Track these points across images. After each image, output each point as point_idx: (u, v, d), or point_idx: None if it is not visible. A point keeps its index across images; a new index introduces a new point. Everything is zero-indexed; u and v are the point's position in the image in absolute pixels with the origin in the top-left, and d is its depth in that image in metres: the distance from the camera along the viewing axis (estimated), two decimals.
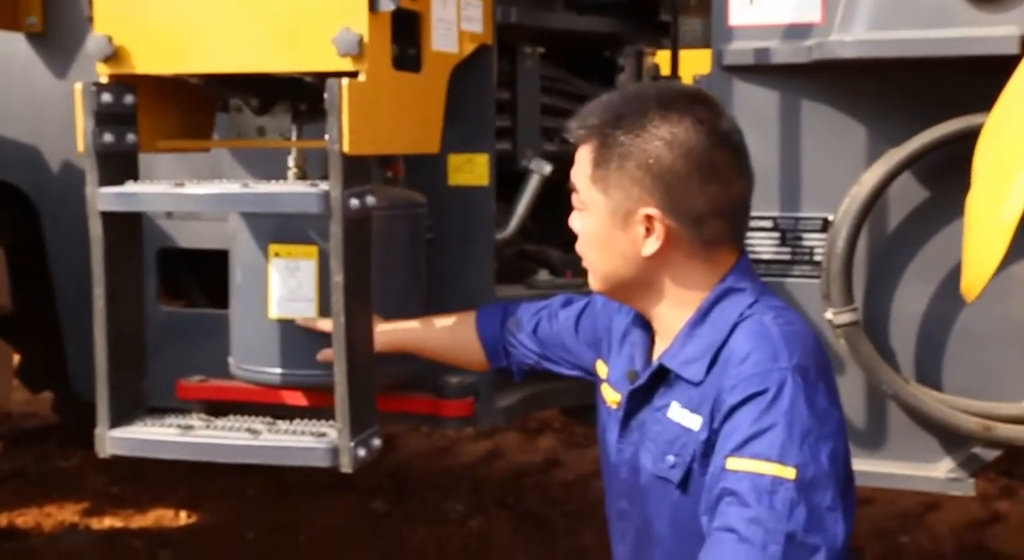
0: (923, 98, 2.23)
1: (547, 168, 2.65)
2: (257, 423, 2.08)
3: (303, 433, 2.02)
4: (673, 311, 1.62)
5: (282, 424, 2.07)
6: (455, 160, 2.45)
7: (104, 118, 2.03)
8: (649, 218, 1.56)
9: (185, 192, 2.00)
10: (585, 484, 4.45)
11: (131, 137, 2.08)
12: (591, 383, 2.01)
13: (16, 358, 3.26)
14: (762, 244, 2.36)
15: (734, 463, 1.44)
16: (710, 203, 1.56)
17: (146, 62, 2.04)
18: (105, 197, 2.01)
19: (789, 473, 1.40)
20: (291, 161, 2.28)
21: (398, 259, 2.30)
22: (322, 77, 1.94)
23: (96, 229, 2.03)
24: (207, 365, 2.48)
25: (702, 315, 1.59)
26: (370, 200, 1.98)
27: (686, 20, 3.61)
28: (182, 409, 2.29)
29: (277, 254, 2.19)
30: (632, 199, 1.57)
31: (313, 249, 2.16)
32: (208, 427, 2.07)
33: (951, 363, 2.29)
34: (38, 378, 3.74)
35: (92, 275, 2.04)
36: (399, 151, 2.26)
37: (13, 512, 4.01)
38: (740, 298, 1.58)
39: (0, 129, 2.80)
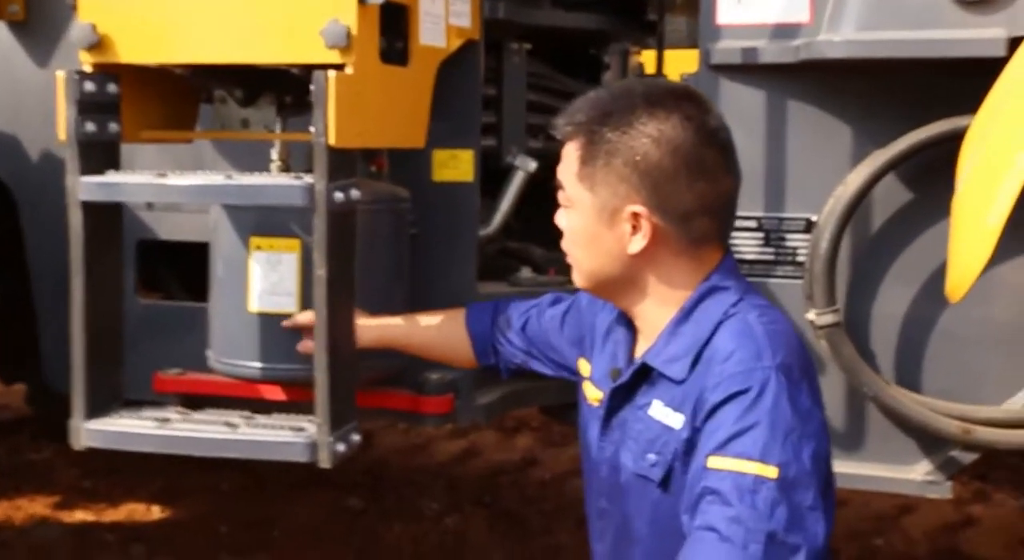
0: (909, 100, 2.24)
1: (532, 165, 2.65)
2: (235, 417, 2.06)
3: (282, 427, 2.00)
4: (657, 309, 1.62)
5: (260, 418, 2.06)
6: (440, 155, 2.43)
7: (86, 107, 2.00)
8: (636, 216, 1.56)
9: (168, 183, 1.97)
10: (562, 483, 4.45)
11: (113, 127, 2.06)
12: (571, 381, 2.00)
13: None
14: (746, 244, 2.36)
15: (716, 462, 1.43)
16: (697, 201, 1.56)
17: (130, 51, 2.01)
18: (86, 186, 1.99)
19: (771, 472, 1.40)
20: (274, 154, 2.26)
21: (381, 254, 2.28)
22: (308, 69, 1.92)
23: (76, 219, 2.00)
24: (184, 358, 2.45)
25: (686, 313, 1.58)
26: (355, 194, 1.96)
27: (671, 19, 3.61)
28: (158, 402, 2.26)
29: (259, 247, 2.16)
30: (619, 196, 1.56)
31: (295, 242, 2.14)
32: (185, 420, 2.05)
33: (931, 365, 2.30)
34: (11, 370, 3.69)
35: (71, 266, 2.01)
36: (385, 145, 2.25)
37: None
38: (724, 296, 1.58)
39: None
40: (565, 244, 1.68)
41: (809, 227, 2.32)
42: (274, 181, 1.97)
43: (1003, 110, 1.68)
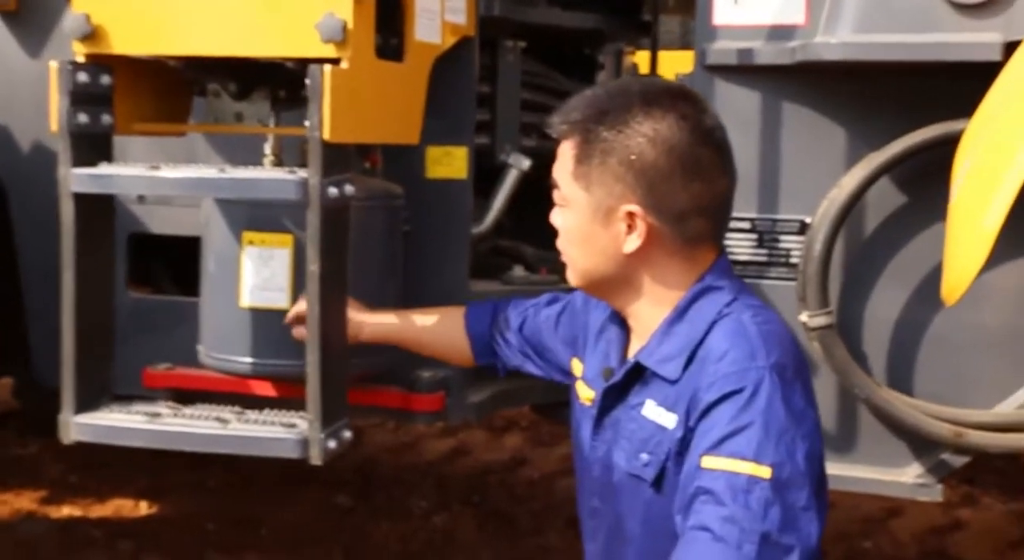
0: (904, 103, 2.24)
1: (526, 163, 2.64)
2: (226, 412, 2.05)
3: (273, 423, 1.99)
4: (651, 309, 1.61)
5: (251, 414, 2.04)
6: (433, 152, 2.43)
7: (79, 98, 1.99)
8: (631, 215, 1.55)
9: (161, 175, 1.96)
10: (551, 483, 4.44)
11: (106, 118, 2.04)
12: (561, 383, 2.00)
13: None
14: (739, 245, 2.35)
15: (710, 461, 1.43)
16: (693, 201, 1.55)
17: (124, 42, 2.00)
18: (78, 178, 1.97)
19: (765, 472, 1.39)
20: (268, 148, 2.25)
21: (375, 251, 2.27)
22: (303, 63, 1.91)
23: (68, 211, 1.99)
24: (174, 353, 2.45)
25: (680, 313, 1.58)
26: (349, 189, 1.95)
27: (664, 20, 3.61)
28: (148, 397, 2.25)
29: (251, 242, 2.15)
30: (614, 196, 1.56)
31: (287, 238, 2.13)
32: (176, 415, 2.04)
33: (923, 368, 2.30)
34: None
35: (62, 258, 2.00)
36: (379, 140, 2.24)
37: None
38: (718, 296, 1.57)
39: None
40: (560, 243, 1.67)
41: (803, 229, 2.32)
42: (268, 175, 1.96)
43: (999, 114, 1.68)
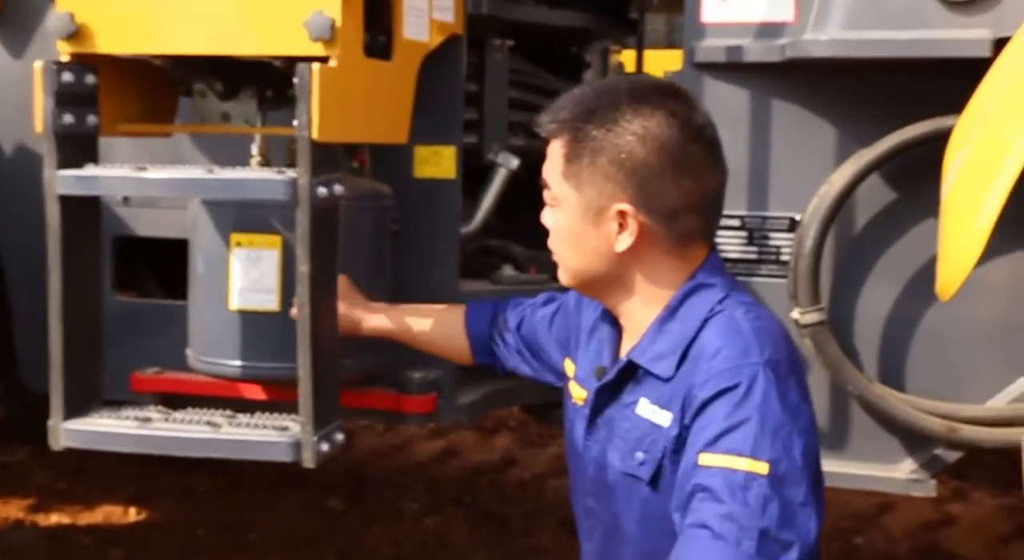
0: (894, 100, 2.24)
1: (514, 162, 2.63)
2: (217, 416, 2.03)
3: (265, 427, 1.97)
4: (643, 307, 1.61)
5: (242, 417, 2.02)
6: (421, 152, 2.41)
7: (64, 98, 1.96)
8: (622, 214, 1.55)
9: (148, 176, 1.94)
10: (542, 483, 4.44)
11: (92, 119, 2.02)
12: (552, 385, 1.99)
13: None
14: (729, 243, 2.35)
15: (707, 459, 1.42)
16: (684, 198, 1.55)
17: (109, 41, 1.98)
18: (64, 180, 1.95)
19: (762, 468, 1.39)
20: (255, 149, 2.23)
21: (363, 251, 2.26)
22: (291, 62, 1.89)
23: (53, 214, 1.97)
24: (162, 357, 2.43)
25: (671, 311, 1.58)
26: (338, 189, 1.94)
27: (650, 18, 3.61)
28: (136, 402, 2.23)
29: (239, 244, 2.14)
30: (605, 195, 1.55)
31: (276, 239, 2.12)
32: (167, 420, 2.01)
33: (915, 364, 2.30)
34: None
35: (48, 261, 1.98)
36: (368, 140, 2.22)
37: None
38: (710, 294, 1.57)
39: None
40: (551, 243, 1.66)
41: (793, 226, 2.31)
42: (256, 175, 1.95)
43: (989, 111, 1.68)
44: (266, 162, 2.22)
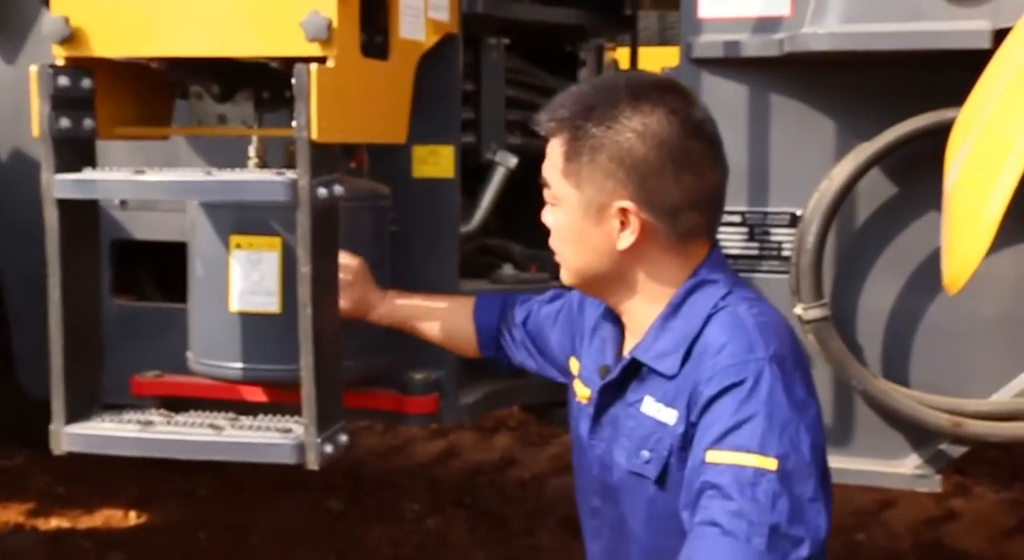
0: (893, 93, 2.23)
1: (512, 161, 2.62)
2: (219, 419, 2.02)
3: (268, 429, 1.96)
4: (645, 305, 1.60)
5: (245, 420, 2.01)
6: (419, 151, 2.40)
7: (60, 102, 1.95)
8: (623, 211, 1.54)
9: (146, 179, 1.93)
10: (542, 483, 4.43)
11: (88, 123, 2.01)
12: (556, 380, 1.98)
13: None
14: (730, 239, 2.34)
15: (714, 456, 1.42)
16: (685, 194, 1.54)
17: (105, 45, 1.96)
18: (62, 184, 1.94)
19: (771, 464, 1.38)
20: (252, 151, 2.22)
21: (362, 252, 2.24)
22: (288, 63, 1.88)
23: (52, 217, 1.95)
24: (161, 360, 2.42)
25: (674, 308, 1.57)
26: (338, 189, 1.93)
27: (642, 16, 3.60)
28: (136, 405, 2.21)
29: (238, 246, 2.13)
30: (605, 192, 1.55)
31: (276, 241, 2.11)
32: (169, 423, 2.00)
33: (919, 359, 2.29)
34: None
35: (47, 265, 1.96)
36: (367, 140, 2.21)
37: None
38: (713, 290, 1.56)
39: None
40: (552, 242, 1.66)
41: (794, 221, 2.31)
42: (256, 177, 1.94)
43: (991, 103, 1.67)
44: (263, 164, 2.22)
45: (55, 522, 3.91)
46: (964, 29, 2.05)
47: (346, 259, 2.08)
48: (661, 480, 1.54)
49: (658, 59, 3.89)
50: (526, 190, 2.31)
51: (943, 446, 2.27)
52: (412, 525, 3.99)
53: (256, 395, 2.25)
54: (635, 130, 1.53)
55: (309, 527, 3.94)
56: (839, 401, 2.32)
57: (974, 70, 1.90)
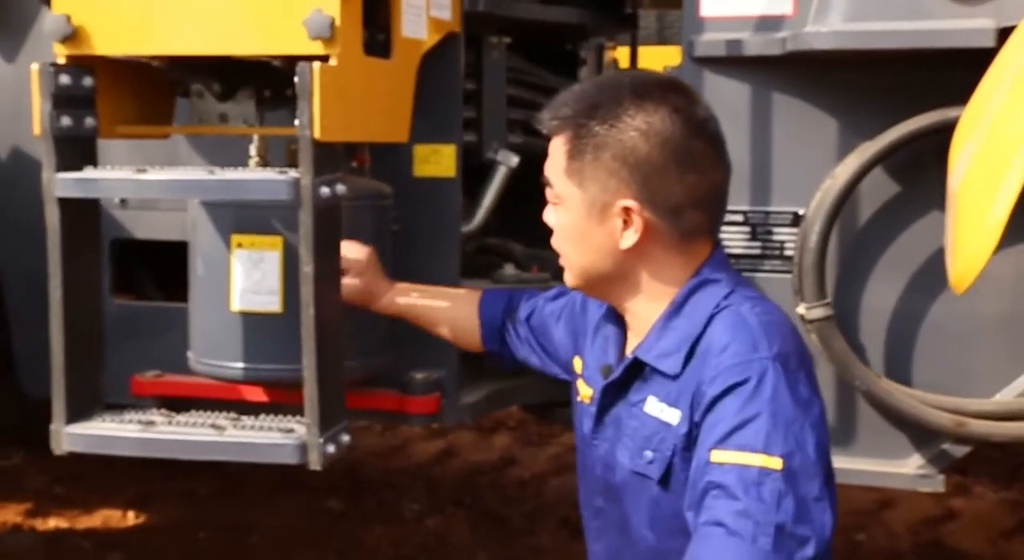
0: (896, 92, 2.23)
1: (514, 160, 2.61)
2: (221, 419, 2.01)
3: (270, 429, 1.95)
4: (648, 304, 1.60)
5: (247, 420, 2.00)
6: (421, 151, 2.40)
7: (62, 101, 1.94)
8: (627, 210, 1.54)
9: (148, 178, 1.92)
10: (542, 483, 4.43)
11: (90, 121, 2.00)
12: (556, 380, 1.98)
13: None
14: (732, 238, 2.34)
15: (719, 455, 1.41)
16: (688, 193, 1.54)
17: (106, 43, 1.96)
18: (63, 183, 1.93)
19: (775, 463, 1.38)
20: (253, 149, 2.21)
21: None
22: (291, 61, 1.88)
23: (53, 216, 1.94)
24: (161, 360, 2.41)
25: (677, 307, 1.57)
26: (340, 188, 1.92)
27: (641, 15, 3.60)
28: (136, 405, 2.20)
29: (240, 245, 2.12)
30: (609, 191, 1.54)
31: (278, 240, 2.10)
32: (170, 423, 1.99)
33: (921, 359, 2.29)
34: None
35: (48, 265, 1.96)
36: (369, 139, 2.20)
37: None
38: (715, 289, 1.56)
39: None
40: (555, 241, 1.65)
41: (796, 221, 2.30)
42: (259, 176, 1.93)
43: (998, 101, 1.67)
44: (265, 163, 2.21)
45: (53, 522, 3.90)
46: (968, 27, 2.05)
47: (355, 248, 2.08)
48: (664, 480, 1.53)
49: (657, 58, 3.89)
50: (527, 189, 2.31)
51: (946, 446, 2.27)
52: (412, 525, 3.99)
53: (257, 395, 2.24)
54: (639, 129, 1.52)
55: (309, 527, 3.93)
56: (842, 401, 2.31)
57: (978, 69, 1.90)
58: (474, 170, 2.59)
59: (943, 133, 2.04)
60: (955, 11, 2.07)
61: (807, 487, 1.39)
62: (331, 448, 1.91)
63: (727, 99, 2.28)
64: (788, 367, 1.45)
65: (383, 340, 2.32)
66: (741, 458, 1.39)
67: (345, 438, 1.97)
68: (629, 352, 1.62)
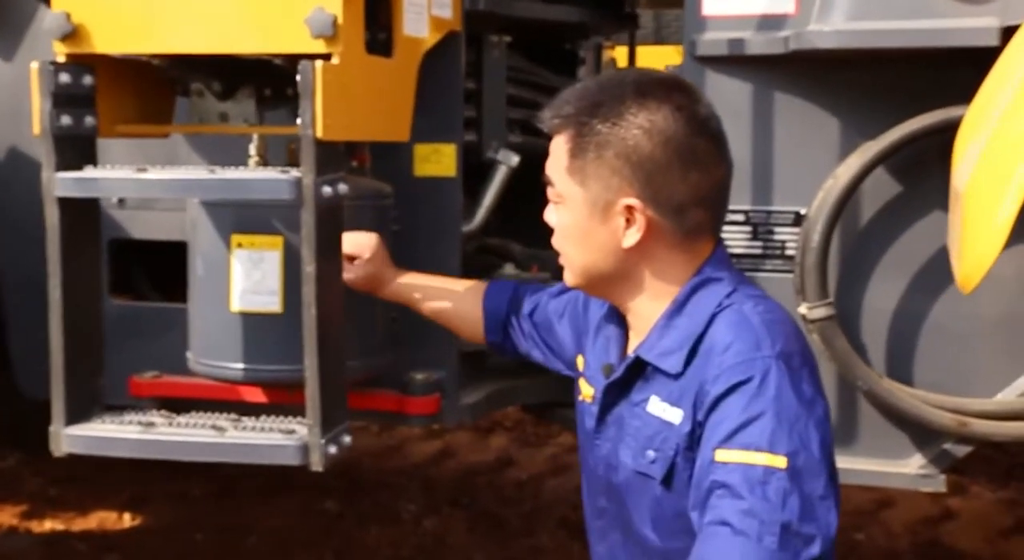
0: (899, 91, 2.23)
1: (515, 159, 2.60)
2: (221, 420, 2.00)
3: (271, 430, 1.94)
4: (650, 303, 1.59)
5: (248, 421, 1.99)
6: (421, 150, 2.39)
7: (61, 99, 1.92)
8: (630, 209, 1.53)
9: (149, 178, 1.91)
10: (539, 483, 4.42)
11: (89, 120, 1.98)
12: (556, 380, 1.97)
13: None
14: (734, 238, 2.33)
15: (723, 455, 1.40)
16: (691, 191, 1.53)
17: (106, 41, 1.94)
18: (63, 182, 1.91)
19: (780, 462, 1.37)
20: (252, 149, 2.20)
21: None
22: (292, 60, 1.86)
23: (52, 216, 1.93)
24: (159, 361, 2.40)
25: (678, 306, 1.56)
26: (342, 188, 1.91)
27: (640, 14, 3.59)
28: (134, 406, 2.19)
29: (240, 245, 2.11)
30: (611, 190, 1.53)
31: (278, 240, 2.09)
32: (171, 424, 1.98)
33: (923, 358, 2.29)
34: None
35: (48, 265, 1.94)
36: (371, 138, 2.19)
37: None
38: (718, 288, 1.55)
39: None
40: (556, 241, 1.64)
41: (798, 220, 2.30)
42: (261, 175, 1.92)
43: (1005, 101, 1.66)
44: (264, 162, 2.19)
45: (49, 524, 3.89)
46: (972, 26, 2.05)
47: (362, 235, 2.08)
48: (667, 480, 1.53)
49: (654, 58, 3.88)
50: (526, 189, 2.30)
51: (947, 446, 2.27)
52: (410, 526, 3.98)
53: (256, 396, 2.23)
54: (641, 127, 1.51)
55: (305, 528, 3.92)
56: (843, 401, 2.31)
57: (981, 68, 1.89)
58: (474, 169, 2.58)
59: (946, 133, 2.04)
60: (958, 10, 2.07)
61: (812, 485, 1.38)
62: (333, 449, 1.90)
63: (729, 98, 2.28)
64: (791, 365, 1.45)
65: (383, 340, 2.31)
66: (746, 457, 1.38)
67: (347, 439, 1.96)
68: (631, 351, 1.61)
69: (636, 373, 1.59)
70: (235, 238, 2.11)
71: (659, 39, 4.85)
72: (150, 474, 4.08)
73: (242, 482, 4.21)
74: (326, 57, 1.85)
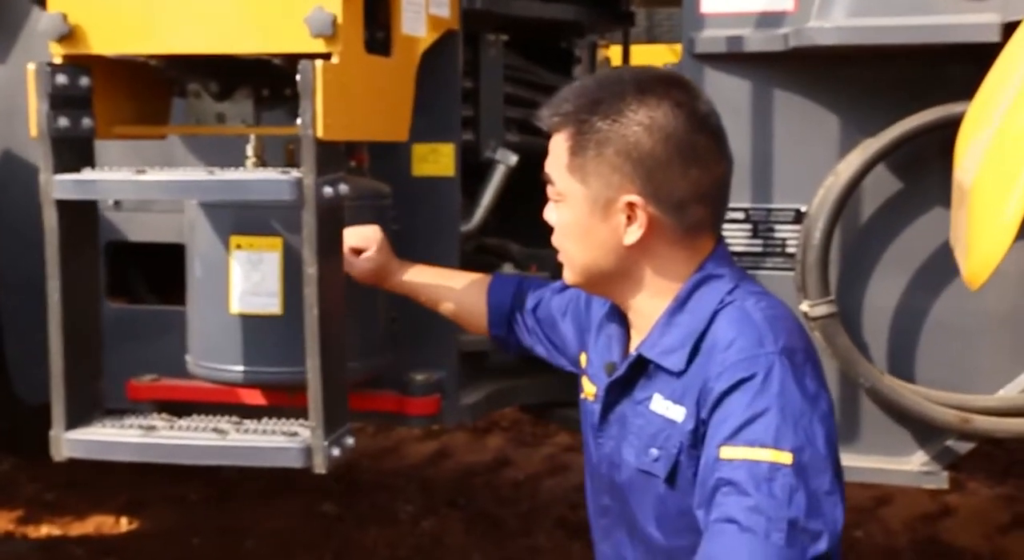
0: (900, 88, 2.22)
1: (513, 158, 2.59)
2: (223, 423, 1.98)
3: (273, 432, 1.93)
4: (651, 301, 1.58)
5: (249, 424, 1.98)
6: (419, 150, 2.38)
7: (58, 101, 1.91)
8: (631, 206, 1.52)
9: (148, 179, 1.90)
10: (536, 484, 4.41)
11: (87, 122, 1.97)
12: (556, 380, 1.96)
13: None
14: (734, 236, 2.33)
15: (728, 452, 1.40)
16: (692, 188, 1.52)
17: (103, 42, 1.93)
18: (61, 184, 1.90)
19: (786, 458, 1.37)
20: (250, 150, 2.19)
21: None
22: (291, 60, 1.85)
23: (51, 219, 1.91)
24: (158, 364, 2.38)
25: (680, 303, 1.55)
26: (343, 188, 1.90)
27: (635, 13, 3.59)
28: (133, 410, 2.18)
29: (239, 246, 2.10)
30: (612, 187, 1.53)
31: (277, 241, 2.08)
32: (171, 428, 1.97)
33: (925, 355, 2.29)
34: None
35: (47, 268, 1.93)
36: (371, 138, 2.18)
37: None
38: (719, 285, 1.54)
39: None
40: (556, 239, 1.63)
41: (798, 218, 2.29)
42: (261, 176, 1.90)
43: (1008, 98, 1.65)
44: (262, 163, 2.18)
45: (46, 529, 3.87)
46: (973, 22, 2.04)
47: (366, 228, 2.07)
48: (671, 478, 1.52)
49: (646, 56, 3.87)
50: (525, 188, 2.29)
51: (949, 442, 2.27)
52: (408, 527, 3.97)
53: (255, 398, 2.22)
54: (641, 123, 1.51)
55: (303, 531, 3.91)
56: (845, 398, 2.30)
57: (983, 64, 1.89)
58: (472, 169, 2.57)
59: (947, 129, 2.03)
60: (959, 6, 2.07)
61: (818, 481, 1.37)
62: (336, 451, 1.90)
63: (728, 96, 2.27)
64: (795, 361, 1.44)
65: (383, 341, 2.30)
66: (751, 454, 1.38)
67: (349, 441, 1.95)
68: (633, 349, 1.60)
69: (639, 371, 1.58)
70: (234, 240, 2.09)
71: (651, 38, 4.85)
72: (147, 478, 4.07)
73: (240, 485, 4.20)
74: (326, 56, 1.84)
